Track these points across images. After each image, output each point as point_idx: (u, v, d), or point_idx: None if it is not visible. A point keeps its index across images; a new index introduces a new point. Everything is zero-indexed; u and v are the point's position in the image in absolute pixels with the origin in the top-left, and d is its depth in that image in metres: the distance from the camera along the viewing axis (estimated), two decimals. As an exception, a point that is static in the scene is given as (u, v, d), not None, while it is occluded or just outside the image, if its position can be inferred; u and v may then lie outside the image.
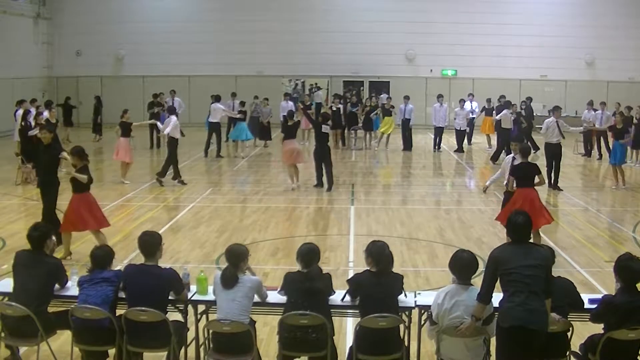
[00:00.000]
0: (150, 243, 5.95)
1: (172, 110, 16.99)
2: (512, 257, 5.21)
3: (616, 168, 16.17)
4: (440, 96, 23.30)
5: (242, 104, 22.22)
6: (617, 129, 16.62)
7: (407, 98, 22.91)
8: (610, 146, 20.93)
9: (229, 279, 5.71)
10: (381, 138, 23.07)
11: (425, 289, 7.42)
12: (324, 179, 15.52)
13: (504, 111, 20.25)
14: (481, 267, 5.77)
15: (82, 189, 9.44)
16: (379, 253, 5.79)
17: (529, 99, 23.04)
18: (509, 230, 5.41)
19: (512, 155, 10.48)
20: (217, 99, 20.74)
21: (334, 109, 22.32)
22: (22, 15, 27.96)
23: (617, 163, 16.12)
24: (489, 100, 23.46)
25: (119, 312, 5.93)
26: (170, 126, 15.57)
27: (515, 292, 5.12)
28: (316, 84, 33.11)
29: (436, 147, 22.68)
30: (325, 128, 15.56)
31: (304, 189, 15.66)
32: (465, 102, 22.94)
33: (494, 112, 22.16)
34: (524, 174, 9.82)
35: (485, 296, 5.32)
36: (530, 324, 5.06)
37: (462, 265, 5.55)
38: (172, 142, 15.75)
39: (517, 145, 10.33)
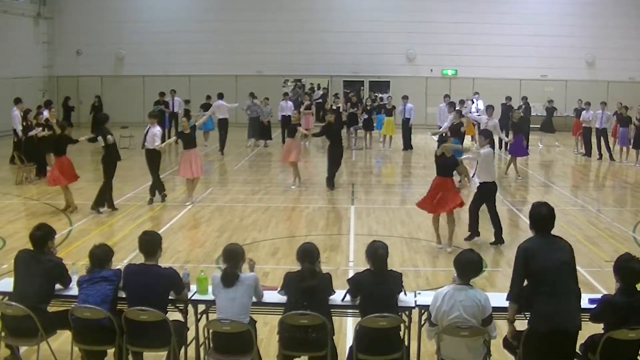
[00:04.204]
0: (151, 242, 5.95)
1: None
2: (541, 253, 5.22)
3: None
4: (447, 96, 22.82)
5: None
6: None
7: (405, 98, 22.82)
8: (611, 145, 21.01)
9: (229, 278, 5.70)
10: (385, 139, 23.10)
11: (425, 289, 7.42)
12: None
13: (483, 117, 20.24)
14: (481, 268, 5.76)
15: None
16: (372, 253, 5.81)
17: (524, 98, 23.68)
18: (533, 222, 5.42)
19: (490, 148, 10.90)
20: (220, 96, 22.49)
21: (334, 107, 22.31)
22: (23, 14, 27.95)
23: None
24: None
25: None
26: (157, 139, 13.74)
27: (549, 293, 5.13)
28: (319, 84, 33.14)
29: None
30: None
31: (304, 188, 15.66)
32: (465, 101, 22.89)
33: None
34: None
35: (517, 295, 5.30)
36: (567, 326, 5.09)
37: (467, 265, 5.52)
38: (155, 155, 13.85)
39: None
